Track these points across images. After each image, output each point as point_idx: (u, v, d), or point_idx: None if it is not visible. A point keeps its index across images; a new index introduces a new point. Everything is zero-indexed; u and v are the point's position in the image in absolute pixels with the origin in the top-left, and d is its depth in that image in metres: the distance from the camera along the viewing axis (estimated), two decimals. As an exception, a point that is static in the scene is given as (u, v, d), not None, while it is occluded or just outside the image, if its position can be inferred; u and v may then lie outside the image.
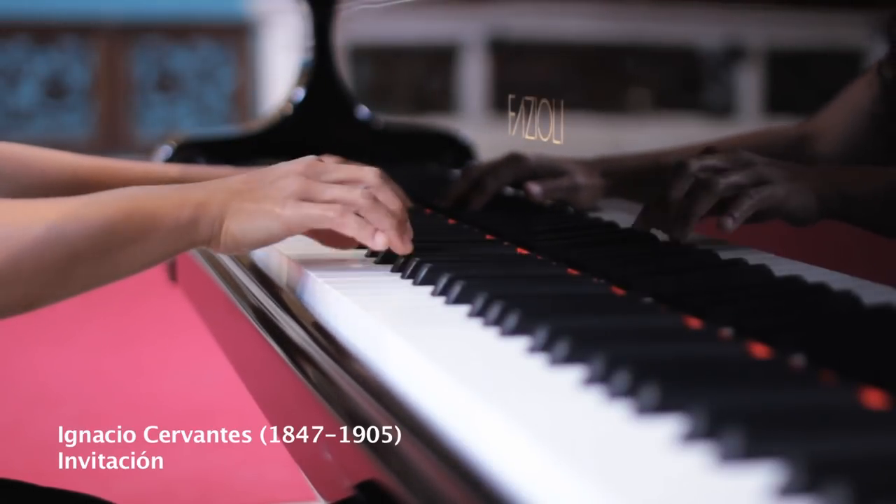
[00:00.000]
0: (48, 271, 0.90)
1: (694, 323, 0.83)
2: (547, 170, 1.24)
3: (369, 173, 1.03)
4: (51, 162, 1.28)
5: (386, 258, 1.08)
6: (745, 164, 0.90)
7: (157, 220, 0.95)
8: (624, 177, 1.15)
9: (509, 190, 1.34)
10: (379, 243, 1.00)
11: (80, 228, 0.91)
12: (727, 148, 0.95)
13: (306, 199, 0.99)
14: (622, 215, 1.12)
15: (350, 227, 0.99)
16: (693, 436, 0.60)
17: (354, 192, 1.00)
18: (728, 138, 1.00)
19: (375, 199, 1.00)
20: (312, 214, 0.98)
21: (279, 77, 5.47)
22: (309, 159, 1.03)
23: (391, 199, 1.02)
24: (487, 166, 1.36)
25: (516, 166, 1.30)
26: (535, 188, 1.24)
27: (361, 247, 1.08)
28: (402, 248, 1.01)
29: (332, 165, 1.03)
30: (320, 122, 1.79)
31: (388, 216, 1.00)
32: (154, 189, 0.97)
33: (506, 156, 1.32)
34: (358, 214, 1.00)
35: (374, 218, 1.00)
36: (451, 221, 1.33)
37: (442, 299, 0.94)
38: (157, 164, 1.35)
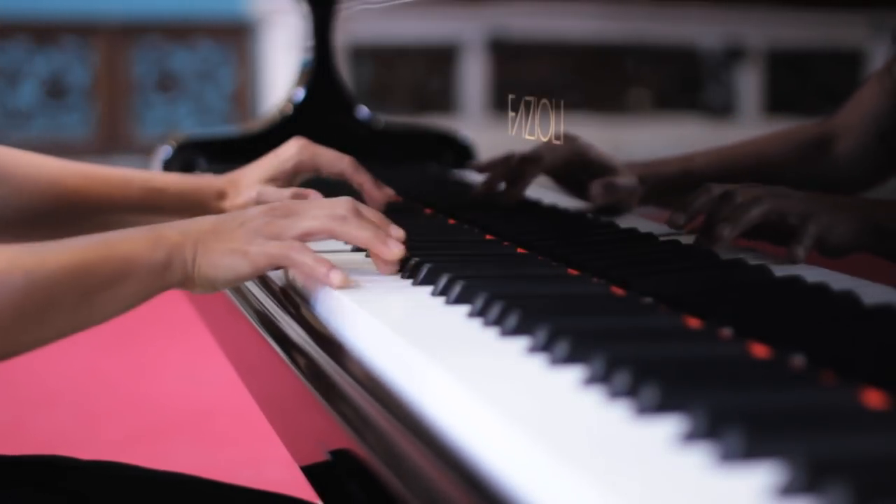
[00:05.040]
0: (26, 317, 0.89)
1: (694, 323, 0.83)
2: (603, 164, 1.17)
3: (340, 202, 1.01)
4: (32, 169, 1.25)
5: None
6: (789, 195, 0.88)
7: (132, 263, 0.94)
8: (656, 185, 1.11)
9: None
10: (335, 280, 0.96)
11: (56, 273, 0.90)
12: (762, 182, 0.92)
13: (274, 237, 0.97)
14: (623, 217, 1.12)
15: (305, 266, 0.97)
16: (693, 436, 0.60)
17: (322, 221, 0.98)
18: (744, 141, 1.00)
19: (345, 219, 0.99)
20: (275, 253, 0.96)
21: (279, 77, 5.47)
22: (280, 201, 1.03)
23: (369, 213, 1.01)
24: (536, 151, 1.26)
25: (566, 149, 1.21)
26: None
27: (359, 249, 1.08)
28: (388, 252, 1.00)
29: (303, 203, 1.02)
30: (320, 123, 1.79)
31: (363, 227, 0.99)
32: (128, 232, 0.96)
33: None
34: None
35: (349, 234, 0.99)
36: (451, 221, 1.33)
37: (442, 299, 0.94)
38: (140, 172, 1.34)
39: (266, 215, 0.99)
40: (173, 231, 0.97)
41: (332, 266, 0.97)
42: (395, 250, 1.00)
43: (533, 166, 1.27)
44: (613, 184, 1.17)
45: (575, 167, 1.21)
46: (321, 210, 1.00)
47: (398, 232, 1.02)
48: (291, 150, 1.32)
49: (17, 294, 0.88)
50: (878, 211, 0.82)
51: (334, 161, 1.32)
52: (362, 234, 1.00)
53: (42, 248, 0.92)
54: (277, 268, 1.01)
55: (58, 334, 0.93)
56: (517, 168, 1.29)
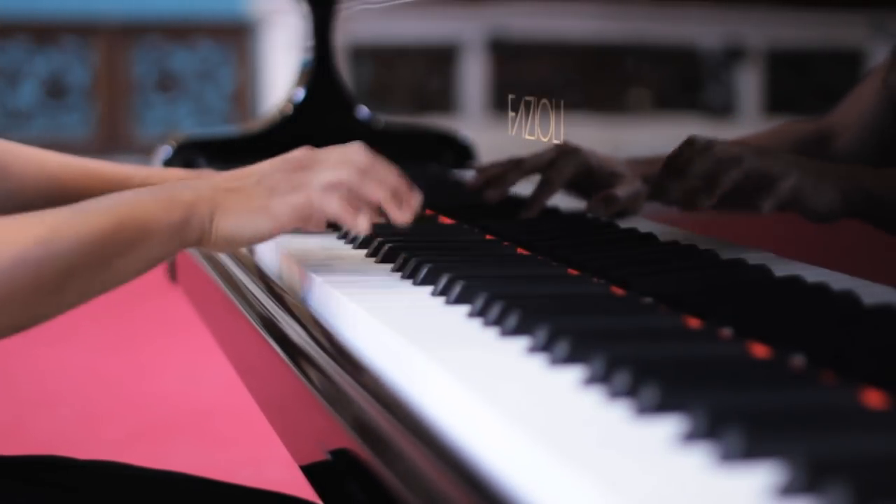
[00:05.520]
0: (44, 288, 0.89)
1: (694, 323, 0.83)
2: (605, 169, 1.17)
3: (356, 152, 1.01)
4: (32, 165, 1.24)
5: (386, 257, 1.08)
6: (769, 153, 0.89)
7: (150, 224, 0.93)
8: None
9: (510, 190, 1.34)
10: (361, 226, 0.97)
11: (73, 242, 0.90)
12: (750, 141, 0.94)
13: (294, 191, 0.97)
14: (623, 217, 1.12)
15: (332, 207, 0.97)
16: (693, 436, 0.60)
17: (342, 173, 0.98)
18: (743, 138, 1.00)
19: (365, 174, 0.99)
20: (296, 203, 0.96)
21: (279, 77, 5.47)
22: (295, 152, 1.02)
23: (385, 172, 1.00)
24: (539, 162, 1.25)
25: (575, 161, 1.20)
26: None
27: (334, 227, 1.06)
28: (400, 216, 1.00)
29: (318, 154, 1.01)
30: (320, 123, 1.79)
31: (381, 187, 0.99)
32: (143, 193, 0.96)
33: (557, 149, 1.21)
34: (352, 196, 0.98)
35: (367, 191, 0.98)
36: (451, 221, 1.33)
37: (442, 299, 0.94)
38: (139, 169, 1.34)
39: (282, 170, 0.98)
40: (187, 191, 0.96)
41: (360, 210, 0.97)
42: (406, 216, 1.00)
43: (546, 192, 1.26)
44: (614, 196, 1.17)
45: (583, 178, 1.20)
46: (340, 160, 1.00)
47: (416, 197, 1.02)
48: None
49: (35, 266, 0.88)
50: (862, 175, 0.82)
51: None
52: (380, 193, 0.99)
53: (57, 217, 0.91)
54: (301, 223, 0.99)
55: (77, 301, 0.93)
56: (532, 195, 1.28)
